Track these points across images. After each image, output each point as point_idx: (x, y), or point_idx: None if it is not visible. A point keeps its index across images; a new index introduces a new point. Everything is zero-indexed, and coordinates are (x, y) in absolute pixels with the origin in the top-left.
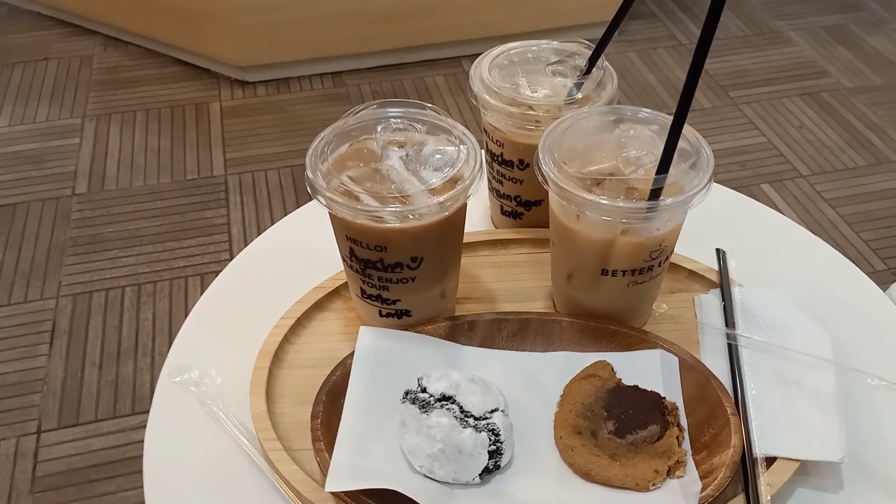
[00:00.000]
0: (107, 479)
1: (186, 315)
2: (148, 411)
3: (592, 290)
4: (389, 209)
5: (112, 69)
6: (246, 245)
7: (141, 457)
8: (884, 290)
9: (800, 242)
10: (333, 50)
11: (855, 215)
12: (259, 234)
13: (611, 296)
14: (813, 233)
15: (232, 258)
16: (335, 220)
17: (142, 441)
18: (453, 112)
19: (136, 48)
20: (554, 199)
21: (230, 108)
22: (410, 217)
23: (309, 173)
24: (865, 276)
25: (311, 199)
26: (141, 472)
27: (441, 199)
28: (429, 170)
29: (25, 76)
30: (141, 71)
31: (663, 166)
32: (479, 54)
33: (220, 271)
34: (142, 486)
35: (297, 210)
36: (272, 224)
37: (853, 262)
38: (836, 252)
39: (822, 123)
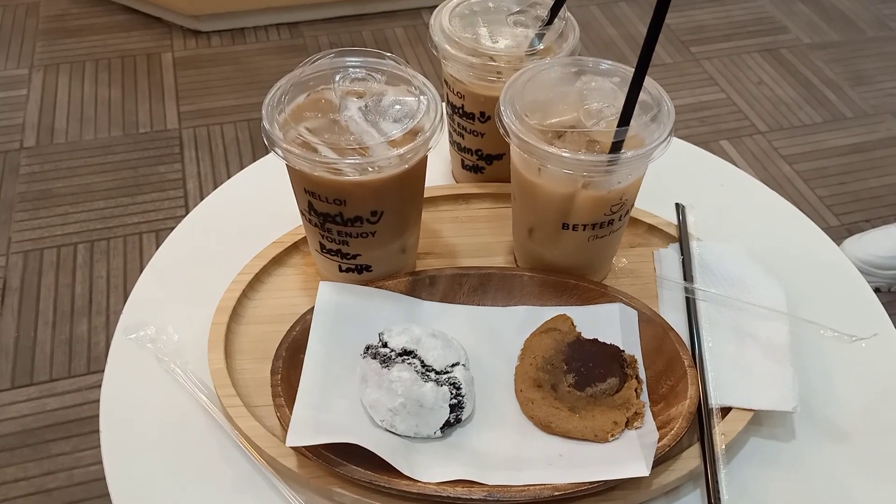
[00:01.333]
0: (62, 440)
1: (141, 273)
2: (104, 370)
3: (553, 245)
4: (348, 161)
5: (59, 17)
6: (202, 200)
7: (97, 416)
8: (837, 245)
9: (757, 197)
10: None
11: (810, 171)
12: (216, 189)
13: (571, 250)
14: (770, 189)
15: (188, 214)
16: (293, 172)
17: (97, 400)
18: (413, 64)
19: None
20: (515, 153)
21: (183, 58)
22: (370, 170)
23: (266, 124)
24: (820, 231)
25: (269, 154)
26: (97, 431)
27: (401, 151)
28: (388, 121)
29: None
30: (89, 19)
31: (624, 119)
32: (438, 5)
33: (176, 228)
34: (98, 446)
35: (255, 163)
36: (228, 179)
37: (808, 217)
38: (793, 207)
39: (781, 80)
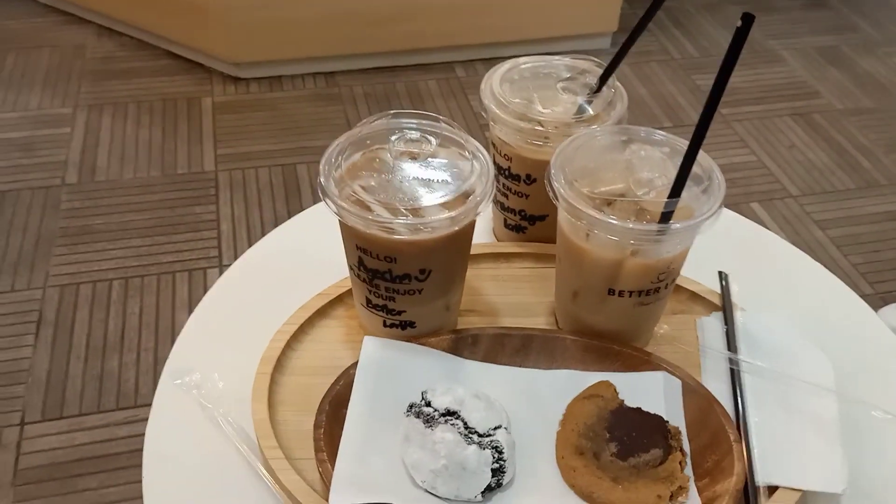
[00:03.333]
0: (90, 475)
1: (173, 310)
2: (132, 407)
3: (597, 310)
4: (401, 221)
5: (105, 59)
6: (235, 243)
7: (125, 453)
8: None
9: (798, 266)
10: (327, 50)
11: (843, 237)
12: (249, 232)
13: (616, 316)
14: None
15: (221, 255)
16: (345, 228)
17: (125, 437)
18: (445, 117)
19: (130, 39)
20: (563, 217)
21: (222, 103)
22: (421, 230)
23: (322, 179)
24: (864, 303)
25: (308, 202)
26: (125, 468)
27: (453, 213)
28: (440, 183)
29: (18, 63)
30: (134, 62)
31: (676, 190)
32: (471, 60)
33: (208, 268)
34: (124, 484)
35: (302, 213)
36: (262, 222)
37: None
38: (834, 276)
39: (813, 144)
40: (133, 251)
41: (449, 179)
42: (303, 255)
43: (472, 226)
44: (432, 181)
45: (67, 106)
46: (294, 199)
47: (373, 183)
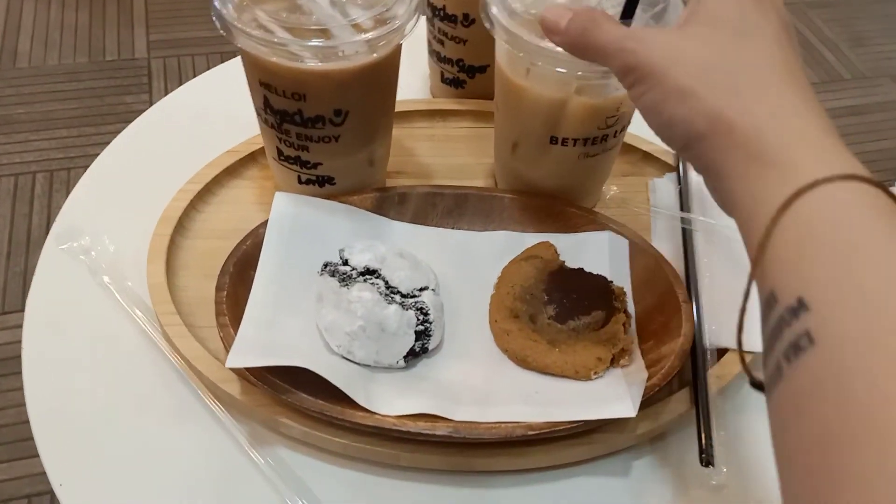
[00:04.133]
0: (14, 375)
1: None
2: None
3: (539, 162)
4: (308, 43)
5: None
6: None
7: None
8: None
9: None
10: None
11: None
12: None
13: (559, 169)
14: None
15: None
16: (247, 61)
17: None
18: None
19: None
20: (501, 51)
21: None
22: (333, 56)
23: (217, 3)
24: None
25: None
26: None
27: (368, 36)
28: (356, 7)
29: None
30: None
31: (627, 11)
32: None
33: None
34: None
35: (218, 67)
36: (186, 83)
37: None
38: None
39: None
40: (58, 142)
41: (367, 3)
42: (216, 111)
43: (394, 60)
44: (347, 4)
45: None
46: None
47: (278, 7)
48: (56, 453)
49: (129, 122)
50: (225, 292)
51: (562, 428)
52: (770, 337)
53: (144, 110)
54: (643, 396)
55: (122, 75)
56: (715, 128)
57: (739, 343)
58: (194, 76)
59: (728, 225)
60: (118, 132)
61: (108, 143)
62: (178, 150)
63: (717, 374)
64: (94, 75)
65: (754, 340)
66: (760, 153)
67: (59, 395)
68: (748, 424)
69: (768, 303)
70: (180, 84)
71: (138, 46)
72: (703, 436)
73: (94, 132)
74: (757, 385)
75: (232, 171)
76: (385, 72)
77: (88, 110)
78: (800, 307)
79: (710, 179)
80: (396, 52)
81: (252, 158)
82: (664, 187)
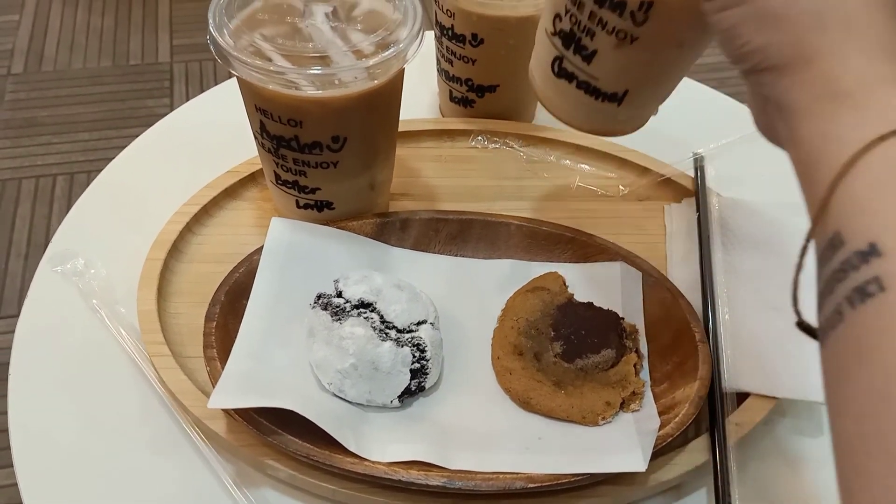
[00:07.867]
0: None
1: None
2: None
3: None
4: (306, 72)
5: None
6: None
7: None
8: None
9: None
10: None
11: None
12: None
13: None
14: None
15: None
16: (244, 87)
17: None
18: None
19: None
20: None
21: None
22: (331, 84)
23: (212, 30)
24: None
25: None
26: None
27: (369, 63)
28: (358, 32)
29: None
30: None
31: None
32: None
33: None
34: None
35: (220, 85)
36: (188, 101)
37: None
38: None
39: None
40: (80, 145)
41: (369, 28)
42: (218, 131)
43: (396, 84)
44: (348, 30)
45: None
46: None
47: (276, 31)
48: (34, 480)
49: (150, 125)
50: (214, 323)
51: (565, 481)
52: (830, 279)
53: (166, 114)
54: (655, 447)
55: (145, 79)
56: (795, 60)
57: (795, 299)
58: (216, 81)
59: (750, 258)
60: (137, 136)
61: (126, 146)
62: (181, 167)
63: (737, 422)
64: (118, 79)
65: (783, 384)
66: (840, 93)
67: (42, 423)
68: (772, 478)
69: (832, 244)
70: (201, 88)
71: (161, 51)
72: (720, 490)
73: (116, 135)
74: (805, 328)
75: (231, 193)
76: (386, 97)
77: (110, 113)
78: (871, 252)
79: (774, 109)
80: (398, 76)
81: (252, 179)
82: (682, 213)
